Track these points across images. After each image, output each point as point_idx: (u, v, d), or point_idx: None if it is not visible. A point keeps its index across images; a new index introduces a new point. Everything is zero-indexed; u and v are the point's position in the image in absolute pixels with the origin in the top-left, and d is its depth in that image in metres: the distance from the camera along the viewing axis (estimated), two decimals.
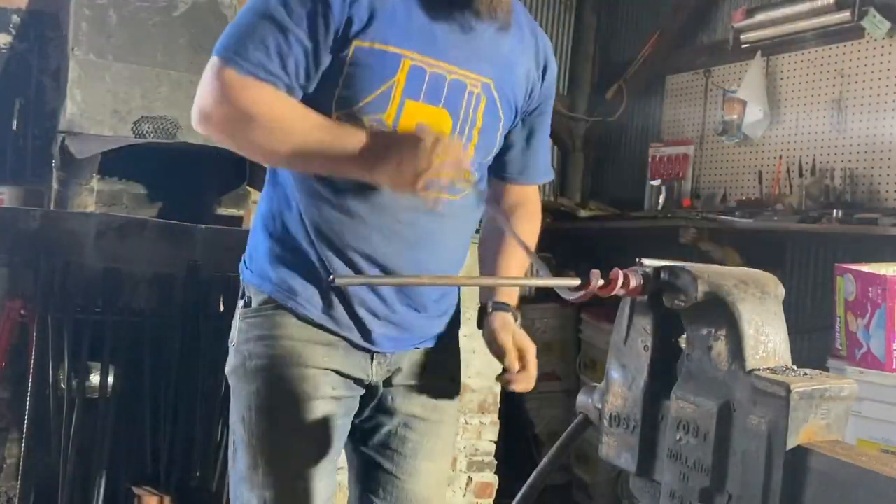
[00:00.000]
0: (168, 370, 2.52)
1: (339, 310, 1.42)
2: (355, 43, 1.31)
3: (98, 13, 3.08)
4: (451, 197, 1.43)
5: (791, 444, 0.83)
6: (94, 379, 2.44)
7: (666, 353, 1.00)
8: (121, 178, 3.18)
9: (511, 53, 1.45)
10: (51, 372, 2.38)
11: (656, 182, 4.18)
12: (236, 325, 1.48)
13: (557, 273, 1.43)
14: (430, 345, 1.57)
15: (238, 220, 3.19)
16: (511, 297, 1.60)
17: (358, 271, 1.40)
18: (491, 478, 3.12)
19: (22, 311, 2.41)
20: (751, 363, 0.89)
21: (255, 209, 1.58)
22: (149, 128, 3.14)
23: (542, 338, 4.19)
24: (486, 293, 1.60)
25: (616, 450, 1.05)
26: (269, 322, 1.43)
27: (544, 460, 1.24)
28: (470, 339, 3.15)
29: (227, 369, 1.49)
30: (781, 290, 0.96)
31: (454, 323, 1.65)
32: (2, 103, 3.32)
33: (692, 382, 0.94)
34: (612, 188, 4.72)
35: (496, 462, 3.13)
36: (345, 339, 1.44)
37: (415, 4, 1.33)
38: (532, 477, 1.22)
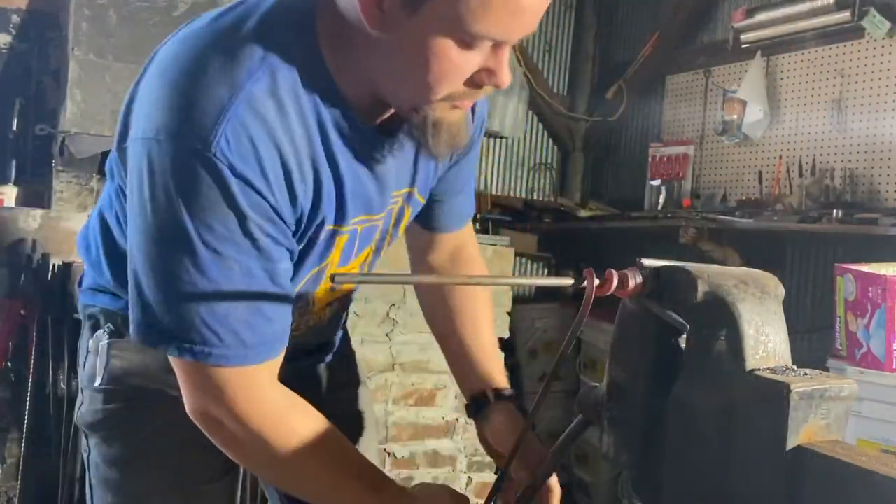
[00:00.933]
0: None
1: None
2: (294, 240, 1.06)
3: (98, 13, 3.08)
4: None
5: (791, 444, 0.83)
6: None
7: (666, 353, 1.00)
8: None
9: None
10: (51, 372, 2.38)
11: (656, 182, 4.18)
12: (98, 361, 1.19)
13: (556, 273, 1.44)
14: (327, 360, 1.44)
15: None
16: (502, 374, 1.39)
17: None
18: (491, 478, 3.12)
19: (22, 311, 2.41)
20: (751, 363, 0.89)
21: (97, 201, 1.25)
22: None
23: (542, 338, 4.19)
24: (474, 377, 1.37)
25: (616, 450, 1.05)
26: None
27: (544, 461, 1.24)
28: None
29: (87, 420, 1.21)
30: (781, 290, 0.96)
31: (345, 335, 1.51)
32: (2, 103, 3.31)
33: (692, 382, 0.94)
34: (612, 188, 4.72)
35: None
36: None
37: (351, 169, 1.06)
38: (531, 478, 1.22)
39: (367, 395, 1.53)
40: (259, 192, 0.93)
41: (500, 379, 1.37)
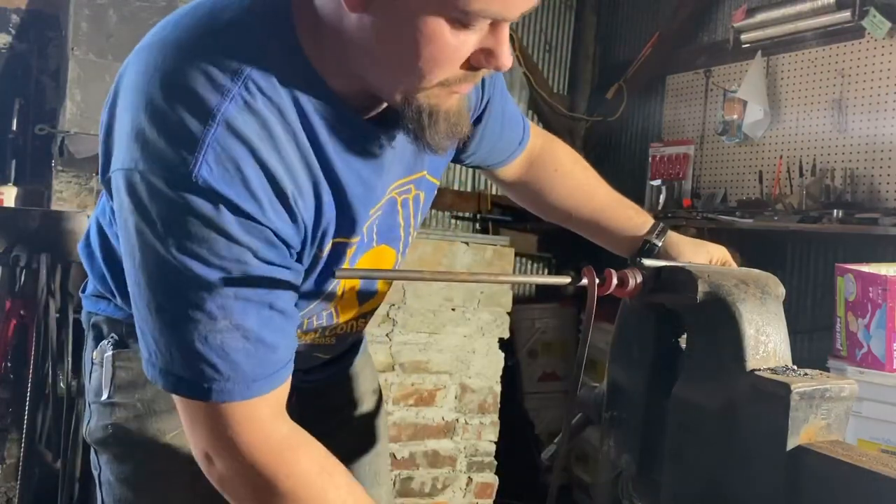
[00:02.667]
0: None
1: None
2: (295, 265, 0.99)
3: (98, 13, 3.08)
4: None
5: (791, 445, 0.83)
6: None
7: (666, 353, 1.00)
8: None
9: None
10: (51, 372, 2.38)
11: (656, 182, 4.18)
12: (103, 373, 1.13)
13: (557, 273, 1.44)
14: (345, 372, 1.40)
15: None
16: (643, 214, 1.38)
17: None
18: (491, 478, 3.12)
19: (22, 311, 2.41)
20: (751, 363, 0.89)
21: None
22: None
23: (542, 338, 4.19)
24: (627, 234, 1.35)
25: (616, 450, 1.04)
26: None
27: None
28: (470, 339, 3.17)
29: (97, 436, 1.15)
30: (782, 290, 0.96)
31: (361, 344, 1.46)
32: (2, 103, 3.31)
33: (692, 382, 0.94)
34: (612, 188, 4.71)
35: (496, 462, 3.13)
36: None
37: (352, 173, 0.99)
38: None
39: (382, 403, 1.51)
40: (250, 217, 0.87)
41: (645, 219, 1.36)
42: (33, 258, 2.45)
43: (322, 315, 1.13)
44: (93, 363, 1.17)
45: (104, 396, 1.14)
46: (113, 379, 1.13)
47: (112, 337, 1.14)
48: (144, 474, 1.13)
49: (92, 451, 1.19)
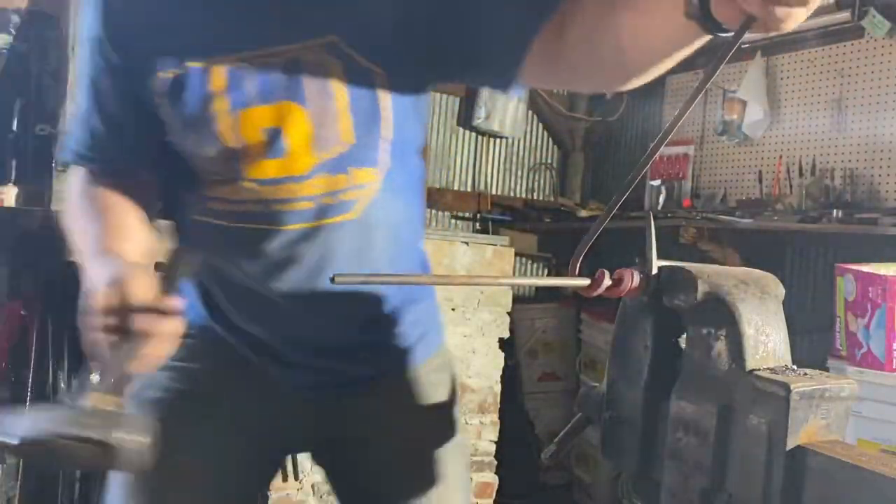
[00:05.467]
0: None
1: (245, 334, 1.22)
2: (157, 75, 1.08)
3: None
4: (333, 220, 1.12)
5: (791, 444, 0.83)
6: (94, 379, 2.44)
7: (666, 353, 1.00)
8: None
9: None
10: (51, 372, 2.38)
11: (656, 182, 4.18)
12: None
13: (558, 273, 1.44)
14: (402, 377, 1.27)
15: None
16: None
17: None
18: (491, 478, 3.12)
19: (22, 311, 2.41)
20: (751, 363, 0.89)
21: None
22: None
23: (542, 338, 4.19)
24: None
25: (616, 450, 1.05)
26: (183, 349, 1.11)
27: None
28: (470, 339, 3.17)
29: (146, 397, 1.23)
30: (781, 290, 0.96)
31: (430, 343, 1.31)
32: (2, 103, 3.31)
33: (692, 382, 0.94)
34: (612, 188, 4.72)
35: (496, 462, 3.13)
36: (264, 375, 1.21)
37: None
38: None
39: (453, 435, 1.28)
40: None
41: None
42: (33, 258, 2.45)
43: (218, 144, 1.12)
44: None
45: None
46: None
47: None
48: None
49: None
